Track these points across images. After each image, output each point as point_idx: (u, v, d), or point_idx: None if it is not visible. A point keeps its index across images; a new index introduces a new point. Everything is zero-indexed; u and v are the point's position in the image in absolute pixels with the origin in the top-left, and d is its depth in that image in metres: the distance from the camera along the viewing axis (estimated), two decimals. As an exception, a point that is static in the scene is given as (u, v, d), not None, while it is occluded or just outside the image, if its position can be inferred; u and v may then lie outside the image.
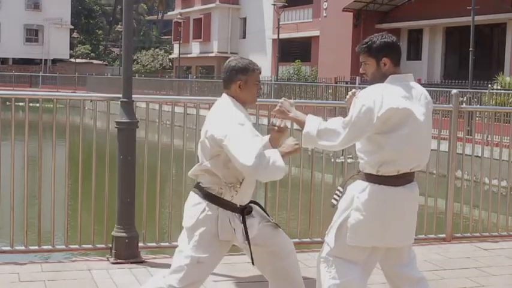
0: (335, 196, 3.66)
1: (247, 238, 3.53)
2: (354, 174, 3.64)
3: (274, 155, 3.35)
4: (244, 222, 3.54)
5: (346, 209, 3.53)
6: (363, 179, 3.51)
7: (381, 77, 3.50)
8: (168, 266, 5.12)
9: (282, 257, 3.67)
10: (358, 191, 3.49)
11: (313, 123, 3.51)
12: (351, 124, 3.39)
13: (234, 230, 3.51)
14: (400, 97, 3.39)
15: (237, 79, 3.54)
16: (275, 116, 3.68)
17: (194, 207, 3.55)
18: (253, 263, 3.62)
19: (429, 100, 3.58)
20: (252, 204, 3.66)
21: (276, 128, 3.57)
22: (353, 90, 3.61)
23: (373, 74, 3.55)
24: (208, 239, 3.50)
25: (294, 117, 3.62)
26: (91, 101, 5.73)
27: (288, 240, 3.75)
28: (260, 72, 3.63)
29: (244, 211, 3.56)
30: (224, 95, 3.60)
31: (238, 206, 3.54)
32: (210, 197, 3.53)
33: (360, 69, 3.63)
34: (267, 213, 3.75)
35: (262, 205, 3.79)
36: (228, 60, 3.64)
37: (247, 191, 3.59)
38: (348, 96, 3.72)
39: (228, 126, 3.39)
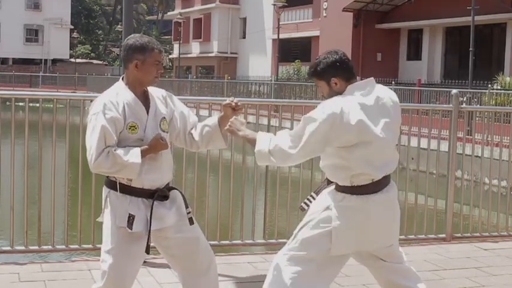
0: (306, 201, 3.56)
1: (149, 226, 3.32)
2: (328, 184, 3.54)
3: (129, 154, 3.26)
4: (152, 207, 3.34)
5: (317, 211, 3.43)
6: (339, 190, 3.42)
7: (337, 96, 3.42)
8: (167, 265, 5.15)
9: (198, 275, 3.53)
10: (335, 201, 3.40)
11: (264, 141, 3.43)
12: (305, 139, 3.31)
13: (134, 216, 3.31)
14: (358, 109, 3.29)
15: (134, 58, 3.37)
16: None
17: (102, 198, 3.47)
18: (147, 252, 3.39)
19: (394, 102, 3.45)
20: (177, 197, 3.49)
21: (233, 104, 3.52)
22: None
23: (328, 95, 3.46)
24: (113, 229, 3.35)
25: (244, 135, 3.55)
26: (91, 101, 5.68)
27: (208, 255, 3.56)
28: (161, 52, 3.43)
29: (154, 195, 3.36)
30: (120, 79, 3.50)
31: (144, 189, 3.36)
32: (109, 183, 3.43)
33: (318, 90, 3.58)
34: (186, 205, 3.52)
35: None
36: (126, 39, 3.47)
37: (152, 175, 3.38)
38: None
39: (90, 115, 3.37)
